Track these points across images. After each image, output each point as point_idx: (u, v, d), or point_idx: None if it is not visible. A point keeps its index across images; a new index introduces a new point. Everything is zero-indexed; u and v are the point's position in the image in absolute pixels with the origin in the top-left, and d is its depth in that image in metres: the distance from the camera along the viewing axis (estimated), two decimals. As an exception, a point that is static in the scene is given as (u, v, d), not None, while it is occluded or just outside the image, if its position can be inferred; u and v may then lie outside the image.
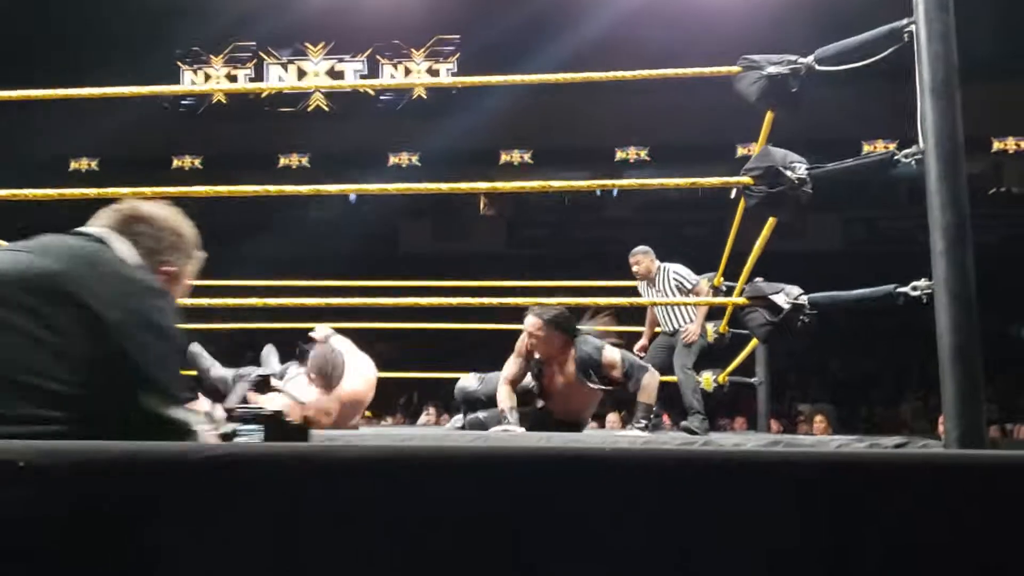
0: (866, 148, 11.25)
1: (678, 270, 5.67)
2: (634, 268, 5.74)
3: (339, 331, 4.61)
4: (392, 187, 3.17)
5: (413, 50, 13.47)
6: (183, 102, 13.64)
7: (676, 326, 5.63)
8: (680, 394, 5.64)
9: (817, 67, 2.73)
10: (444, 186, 2.87)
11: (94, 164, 13.87)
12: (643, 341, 5.94)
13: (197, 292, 4.79)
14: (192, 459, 0.87)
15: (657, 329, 5.84)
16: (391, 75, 13.36)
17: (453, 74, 13.18)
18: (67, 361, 1.34)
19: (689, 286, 5.59)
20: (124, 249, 1.55)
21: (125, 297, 1.44)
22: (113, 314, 1.39)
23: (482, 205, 16.31)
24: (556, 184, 2.88)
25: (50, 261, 1.44)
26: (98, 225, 1.60)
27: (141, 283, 1.50)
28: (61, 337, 1.36)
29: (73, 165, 13.82)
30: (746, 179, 2.79)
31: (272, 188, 2.74)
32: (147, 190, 2.86)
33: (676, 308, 5.60)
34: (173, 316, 1.50)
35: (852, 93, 10.58)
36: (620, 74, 2.90)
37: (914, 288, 2.56)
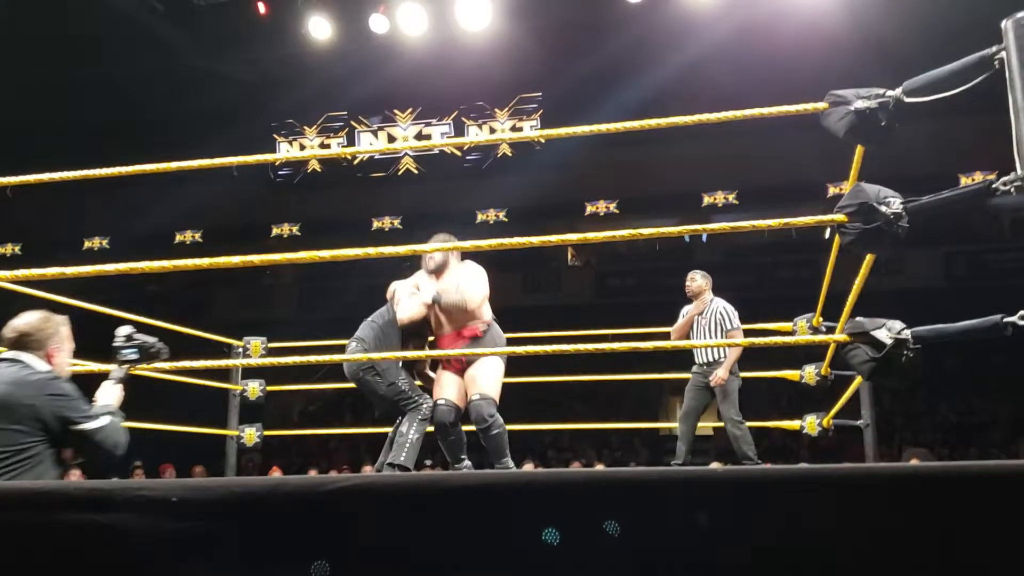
0: (964, 181, 10.92)
1: (727, 307, 5.78)
2: (688, 284, 5.85)
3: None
4: (485, 243, 3.25)
5: (497, 110, 13.79)
6: (280, 172, 14.24)
7: (707, 359, 5.65)
8: (733, 447, 5.59)
9: (906, 99, 2.68)
10: (535, 239, 2.93)
11: (198, 236, 14.56)
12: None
13: (301, 351, 4.95)
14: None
15: (694, 370, 5.81)
16: (476, 135, 13.69)
17: (536, 130, 13.42)
18: None
19: (728, 326, 5.70)
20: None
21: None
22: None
23: (570, 256, 16.40)
24: (646, 231, 2.90)
25: None
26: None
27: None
28: None
29: (178, 238, 14.53)
30: (840, 216, 2.76)
31: (372, 250, 2.85)
32: (255, 258, 3.00)
33: (711, 340, 5.61)
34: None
35: (946, 126, 10.33)
36: (704, 117, 2.91)
37: (1021, 318, 2.48)
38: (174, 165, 3.37)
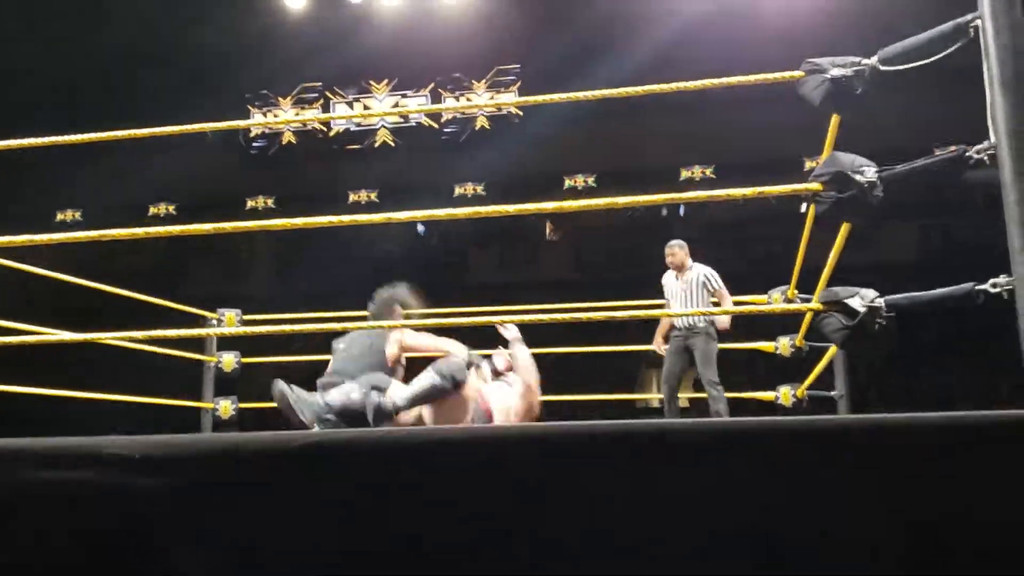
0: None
1: (709, 270, 5.86)
2: (668, 259, 5.90)
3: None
4: (461, 212, 3.23)
5: (475, 81, 13.68)
6: (254, 144, 14.08)
7: (687, 323, 5.69)
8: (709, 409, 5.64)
9: (881, 67, 2.69)
10: (511, 208, 2.92)
11: (172, 208, 14.38)
12: (658, 338, 5.98)
13: (277, 323, 4.93)
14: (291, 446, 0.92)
15: (673, 334, 5.85)
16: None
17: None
18: None
19: (713, 287, 5.77)
20: None
21: None
22: None
23: (548, 231, 16.38)
24: (622, 200, 2.90)
25: None
26: None
27: None
28: None
29: (152, 210, 14.35)
30: (815, 185, 2.77)
31: (346, 218, 2.83)
32: (227, 225, 2.97)
33: (695, 306, 5.66)
34: None
35: (922, 100, 10.37)
36: (681, 85, 2.91)
37: (994, 285, 2.49)
38: (146, 131, 3.32)
